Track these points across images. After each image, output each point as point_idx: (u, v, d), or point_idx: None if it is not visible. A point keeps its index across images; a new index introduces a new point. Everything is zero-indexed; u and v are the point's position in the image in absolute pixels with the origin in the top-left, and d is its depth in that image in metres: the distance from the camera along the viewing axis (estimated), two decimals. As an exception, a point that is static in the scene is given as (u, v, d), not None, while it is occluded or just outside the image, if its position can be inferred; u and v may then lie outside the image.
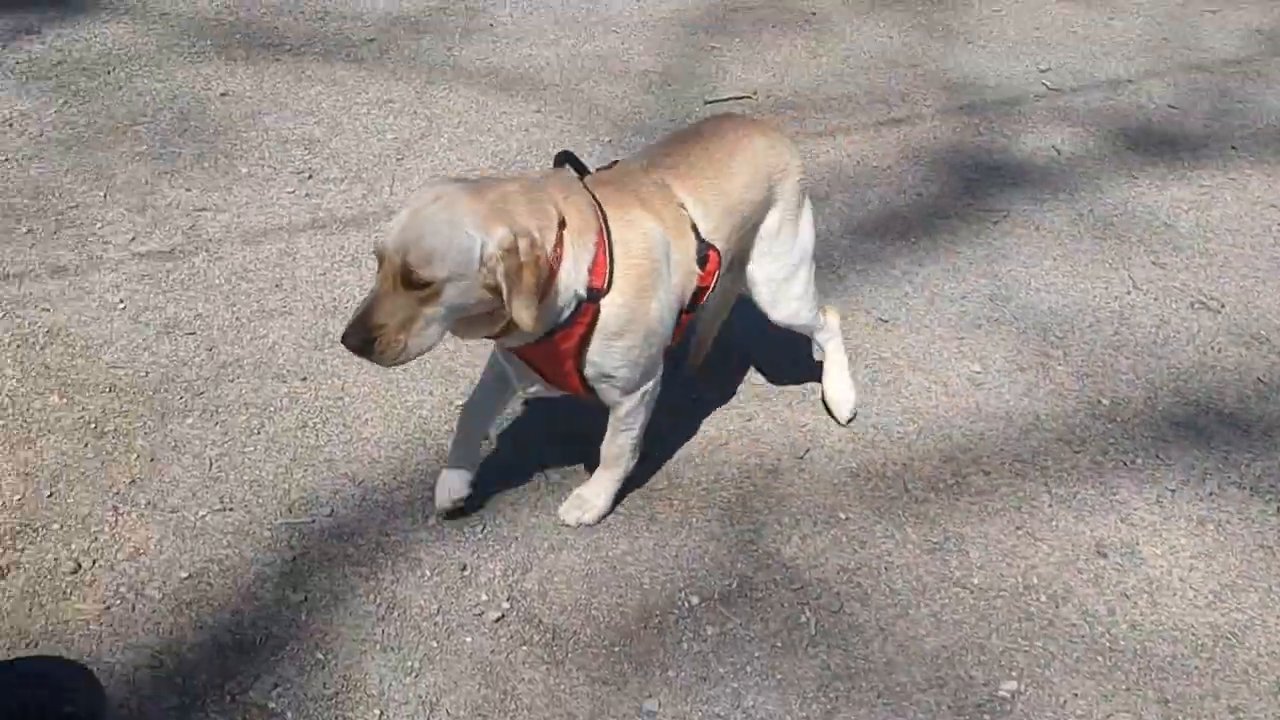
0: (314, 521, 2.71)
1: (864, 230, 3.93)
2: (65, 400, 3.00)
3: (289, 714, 2.30)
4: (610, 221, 2.37)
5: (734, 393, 3.17)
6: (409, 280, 2.14)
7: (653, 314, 2.43)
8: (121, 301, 3.34)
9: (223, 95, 4.46)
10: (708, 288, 2.58)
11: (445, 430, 2.97)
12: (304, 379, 3.12)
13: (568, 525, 2.73)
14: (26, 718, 2.24)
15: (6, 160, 3.96)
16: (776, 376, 3.24)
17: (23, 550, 2.61)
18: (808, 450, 2.99)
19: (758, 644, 2.49)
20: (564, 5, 5.50)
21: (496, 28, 5.23)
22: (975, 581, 2.66)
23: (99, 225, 3.67)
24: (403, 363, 2.21)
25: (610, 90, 4.76)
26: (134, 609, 2.50)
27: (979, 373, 3.31)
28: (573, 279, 2.31)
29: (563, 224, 2.28)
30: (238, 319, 3.32)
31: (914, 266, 3.75)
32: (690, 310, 2.58)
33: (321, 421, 2.99)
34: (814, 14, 5.60)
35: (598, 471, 2.76)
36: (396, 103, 4.53)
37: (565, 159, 2.55)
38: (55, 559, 2.59)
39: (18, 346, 3.16)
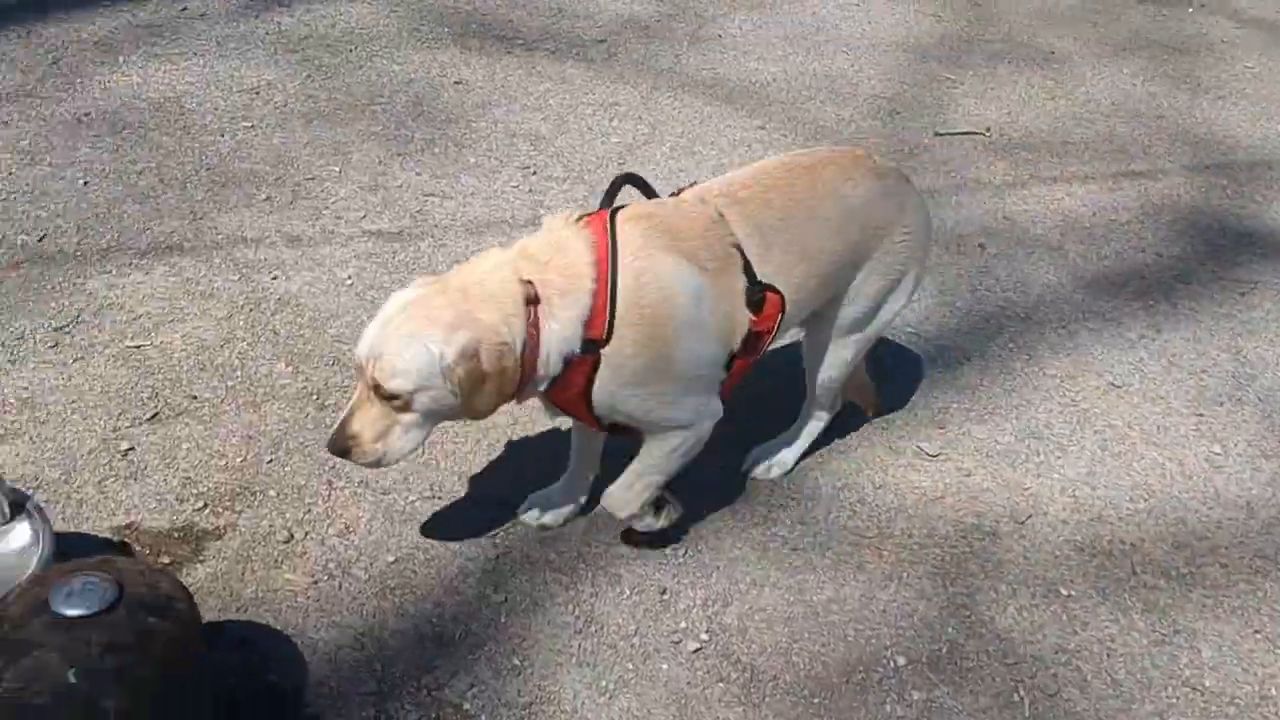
0: (519, 522, 2.70)
1: (1099, 286, 3.73)
2: (291, 368, 3.07)
3: (482, 718, 2.29)
4: (619, 267, 2.21)
5: (952, 444, 3.04)
6: (380, 392, 2.15)
7: (680, 360, 2.29)
8: (350, 277, 3.41)
9: (456, 84, 4.53)
10: (766, 333, 2.39)
11: (653, 446, 2.93)
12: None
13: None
14: (233, 682, 2.28)
15: (252, 127, 4.10)
16: (998, 431, 3.09)
17: (240, 513, 2.67)
18: (1029, 516, 2.83)
19: (966, 718, 2.36)
20: (794, 21, 5.42)
21: (724, 39, 5.18)
22: (1206, 683, 2.47)
23: (333, 200, 3.76)
24: (386, 466, 2.31)
25: (836, 112, 4.65)
26: (340, 587, 2.52)
27: (1218, 454, 3.08)
28: (559, 344, 2.21)
29: (535, 300, 2.17)
30: (457, 308, 3.34)
31: (1151, 331, 3.53)
32: (745, 356, 2.40)
33: (532, 421, 2.98)
34: (1053, 53, 5.37)
35: (630, 465, 2.51)
36: (622, 106, 4.52)
37: (627, 181, 2.43)
38: (270, 526, 2.64)
39: (250, 310, 3.26)
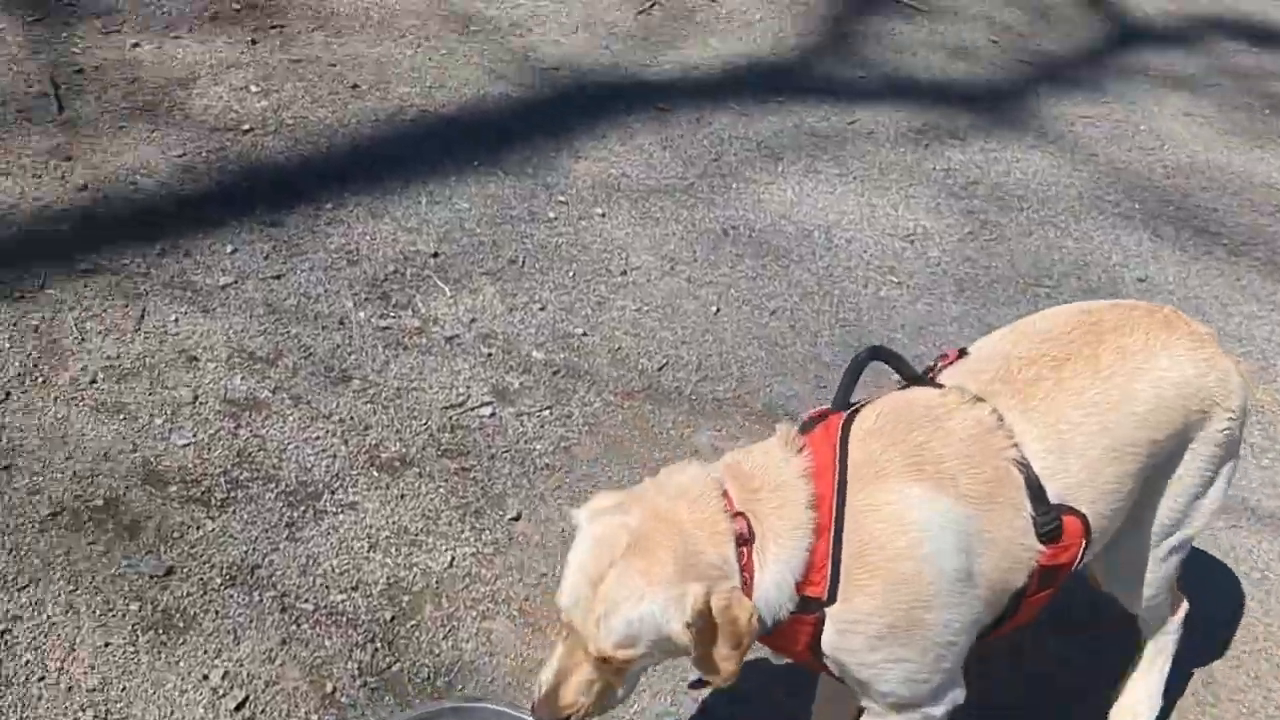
0: None
1: None
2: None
3: None
4: (848, 506, 1.79)
5: None
6: (604, 660, 1.79)
7: (934, 625, 1.81)
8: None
9: (1139, 280, 3.80)
10: (1065, 566, 1.89)
11: None
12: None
13: None
14: None
15: (899, 284, 3.65)
16: None
17: None
18: None
19: None
20: None
21: None
22: None
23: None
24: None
25: None
26: None
27: None
28: (764, 601, 1.79)
29: (748, 539, 1.77)
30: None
31: None
32: (1039, 591, 1.89)
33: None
34: None
35: None
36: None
37: (875, 358, 1.99)
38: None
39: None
